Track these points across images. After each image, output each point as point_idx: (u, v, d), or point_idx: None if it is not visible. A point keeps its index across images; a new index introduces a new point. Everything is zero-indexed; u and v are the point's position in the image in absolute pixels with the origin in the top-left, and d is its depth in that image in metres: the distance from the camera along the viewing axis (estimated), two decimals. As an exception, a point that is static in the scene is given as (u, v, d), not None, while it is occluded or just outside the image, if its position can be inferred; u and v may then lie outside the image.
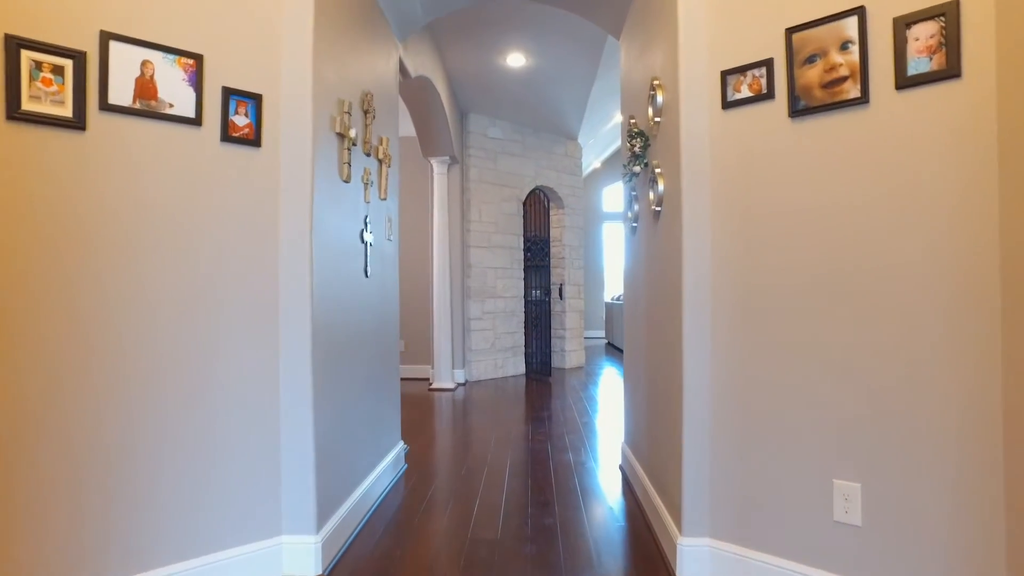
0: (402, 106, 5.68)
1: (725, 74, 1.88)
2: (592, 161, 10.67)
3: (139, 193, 1.65)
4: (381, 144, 2.75)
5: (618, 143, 10.60)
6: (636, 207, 2.65)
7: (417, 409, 4.76)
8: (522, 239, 6.65)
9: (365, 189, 2.53)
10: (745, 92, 1.83)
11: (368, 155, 2.57)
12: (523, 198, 6.65)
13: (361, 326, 2.47)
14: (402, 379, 6.17)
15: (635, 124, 2.61)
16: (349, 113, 2.25)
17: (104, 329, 1.59)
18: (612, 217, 11.91)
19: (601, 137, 8.96)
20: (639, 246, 2.64)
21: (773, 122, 1.78)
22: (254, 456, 1.87)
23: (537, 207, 6.81)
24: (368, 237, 2.53)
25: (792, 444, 1.74)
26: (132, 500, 1.64)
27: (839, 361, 1.64)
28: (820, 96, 1.66)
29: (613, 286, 11.88)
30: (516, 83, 5.43)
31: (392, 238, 3.01)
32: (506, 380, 6.23)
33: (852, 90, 1.60)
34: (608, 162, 11.63)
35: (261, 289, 1.88)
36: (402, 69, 3.54)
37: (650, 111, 2.33)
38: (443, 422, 4.31)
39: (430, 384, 5.80)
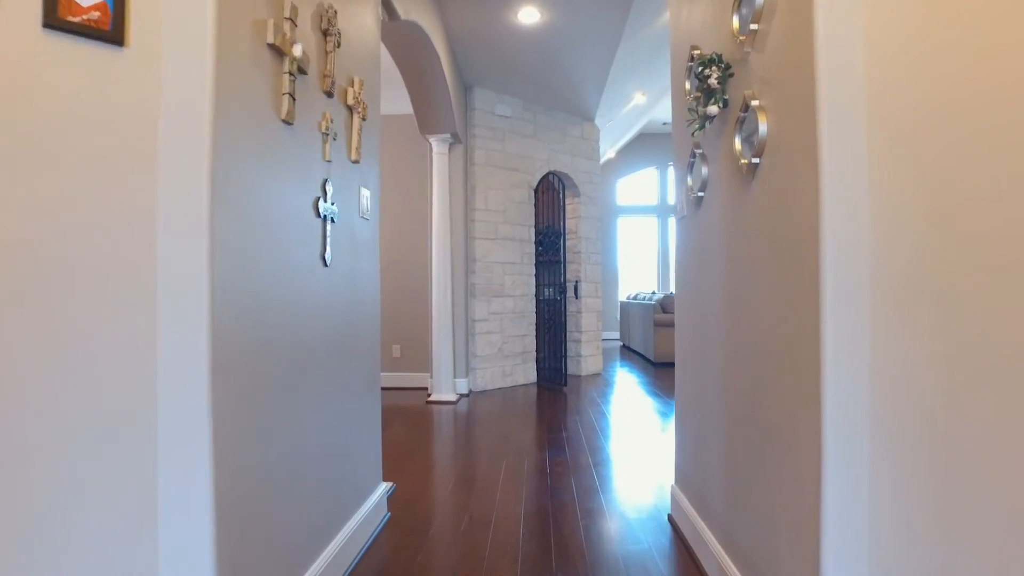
0: (397, 79, 4.95)
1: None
2: (606, 150, 9.92)
3: None
4: (352, 86, 2.02)
5: (636, 130, 9.84)
6: (704, 171, 1.90)
7: (411, 428, 4.03)
8: (533, 230, 5.91)
9: (325, 143, 1.79)
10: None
11: (330, 95, 1.83)
12: (534, 184, 5.91)
13: (315, 333, 1.73)
14: (397, 389, 5.44)
15: (700, 54, 1.86)
16: (293, 22, 1.51)
17: None
18: (627, 211, 11.13)
19: (618, 122, 8.21)
20: (710, 223, 1.88)
21: None
22: (107, 551, 1.13)
23: (550, 195, 6.06)
24: (327, 209, 1.79)
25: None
26: None
27: None
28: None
29: (629, 284, 11.11)
30: (528, 47, 4.68)
31: (370, 216, 2.27)
32: (515, 390, 5.49)
33: None
34: (624, 152, 10.86)
35: (124, 288, 1.14)
36: (387, 3, 2.80)
37: (735, 22, 1.58)
38: (441, 446, 3.57)
39: (428, 396, 5.06)
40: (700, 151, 1.93)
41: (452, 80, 4.68)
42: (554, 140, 6.13)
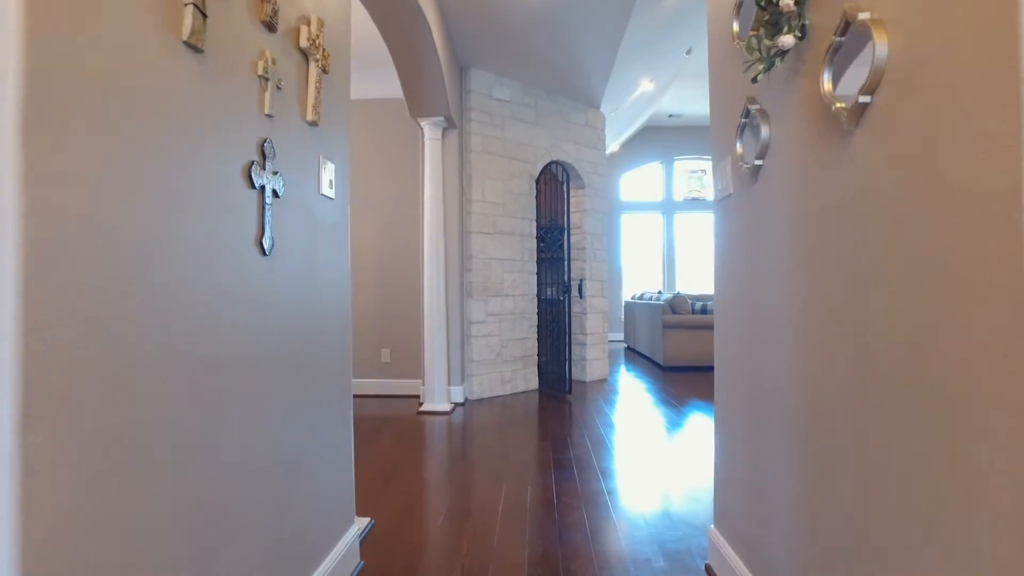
0: (386, 60, 4.50)
1: None
2: (609, 144, 9.47)
3: None
4: (308, 25, 1.57)
5: (640, 123, 9.40)
6: (765, 131, 1.44)
7: (398, 444, 3.58)
8: (534, 225, 5.46)
9: (263, 91, 1.34)
10: None
11: (271, 28, 1.38)
12: (536, 175, 5.46)
13: (248, 342, 1.28)
14: (386, 397, 4.99)
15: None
16: (205, -92, 1.06)
17: None
18: (632, 207, 10.69)
19: (623, 113, 7.77)
20: (772, 198, 1.43)
21: None
22: None
23: (552, 186, 5.62)
24: (267, 180, 1.34)
25: None
26: None
27: None
28: None
29: (633, 283, 10.66)
30: (530, 24, 4.23)
31: (336, 195, 1.83)
32: (515, 398, 5.04)
33: None
34: (628, 146, 10.41)
35: None
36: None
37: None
38: (431, 468, 3.12)
39: (420, 405, 4.61)
40: (756, 107, 1.48)
41: (446, 57, 4.23)
42: (557, 127, 5.68)
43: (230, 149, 1.21)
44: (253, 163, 1.28)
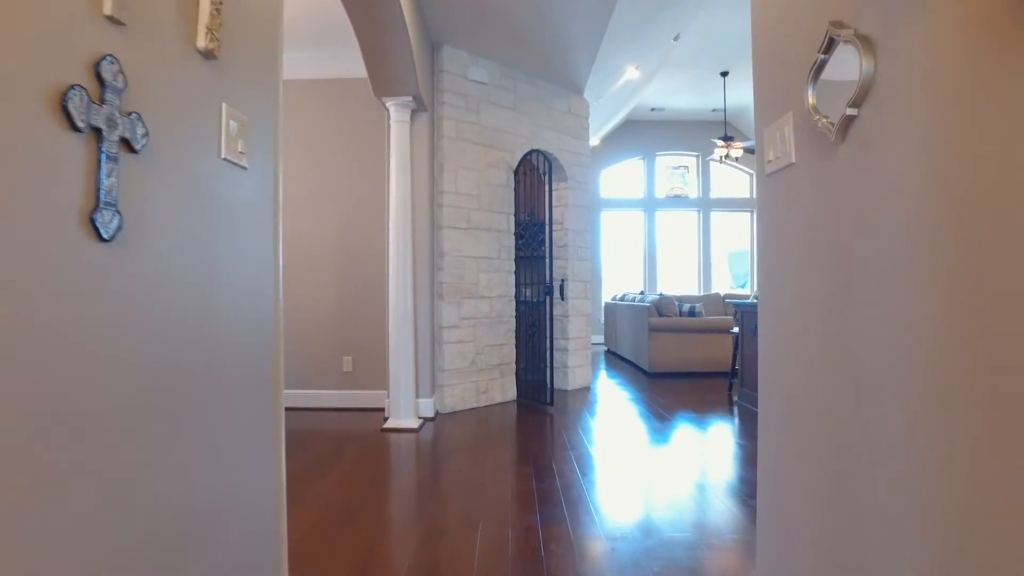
0: (349, 33, 3.98)
1: None
2: (590, 136, 9.06)
3: None
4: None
5: (622, 115, 9.01)
6: (866, 65, 0.99)
7: (355, 473, 3.07)
8: (513, 220, 4.99)
9: (105, -20, 0.84)
10: None
11: None
12: (514, 165, 4.99)
13: (78, 374, 0.77)
14: (347, 410, 4.47)
15: None
16: None
17: None
18: (612, 204, 10.29)
19: (605, 103, 7.36)
20: (883, 161, 0.97)
21: None
22: None
23: (532, 178, 5.15)
24: (108, 118, 0.84)
25: None
26: None
27: None
28: None
29: (613, 283, 10.27)
30: (509, -11, 3.77)
31: (250, 164, 1.32)
32: (492, 411, 4.56)
33: None
34: (609, 140, 10.02)
35: None
36: None
37: None
38: (393, 503, 2.62)
39: (385, 420, 4.10)
40: (847, 32, 1.03)
41: (415, 30, 3.74)
42: (537, 114, 5.22)
43: (27, 60, 0.71)
44: (74, 89, 0.78)
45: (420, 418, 4.15)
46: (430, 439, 3.73)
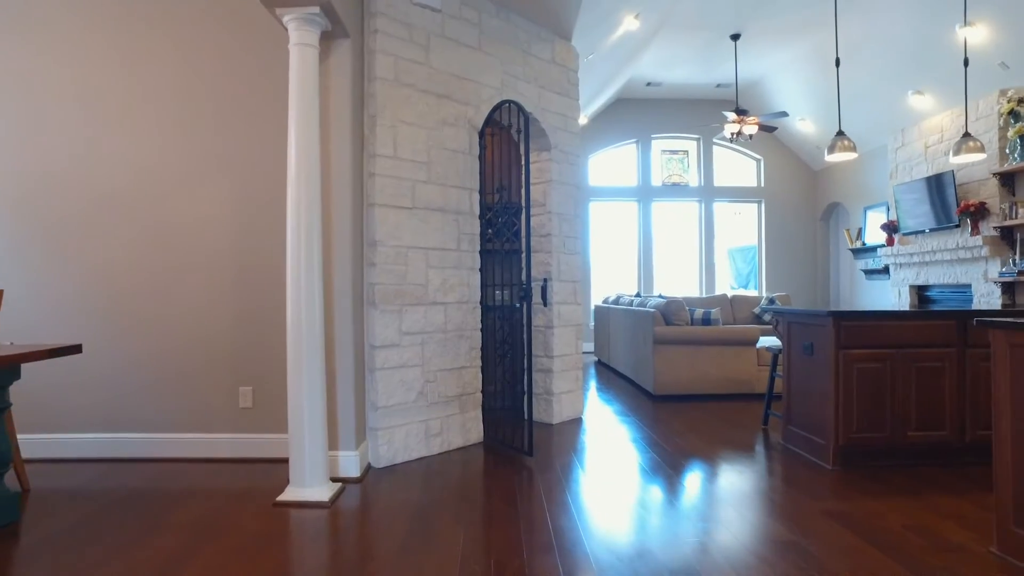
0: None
1: None
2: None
3: None
4: None
5: (614, 90, 7.78)
6: None
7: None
8: (477, 199, 3.70)
9: None
10: None
11: None
12: (479, 125, 3.71)
13: None
14: (245, 462, 3.16)
15: None
16: None
17: None
18: (603, 193, 9.04)
19: (598, 63, 6.10)
20: None
21: None
22: None
23: (504, 144, 3.87)
24: None
25: None
26: None
27: None
28: None
29: (604, 284, 9.01)
30: None
31: None
32: (448, 464, 3.26)
33: None
34: (597, 121, 8.77)
35: None
36: None
37: None
38: None
39: (281, 492, 2.77)
40: None
41: None
42: (511, 60, 3.94)
43: None
44: None
45: (338, 481, 2.85)
46: (351, 522, 2.43)
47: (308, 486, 2.66)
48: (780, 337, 3.64)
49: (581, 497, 2.70)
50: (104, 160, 3.33)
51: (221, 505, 2.61)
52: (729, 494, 2.71)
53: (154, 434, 3.31)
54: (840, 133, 4.02)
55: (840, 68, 6.83)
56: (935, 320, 3.02)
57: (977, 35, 5.04)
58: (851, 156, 4.00)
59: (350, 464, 2.96)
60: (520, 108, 3.32)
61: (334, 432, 2.94)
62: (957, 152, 4.09)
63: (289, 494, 2.65)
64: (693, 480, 2.92)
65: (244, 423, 3.32)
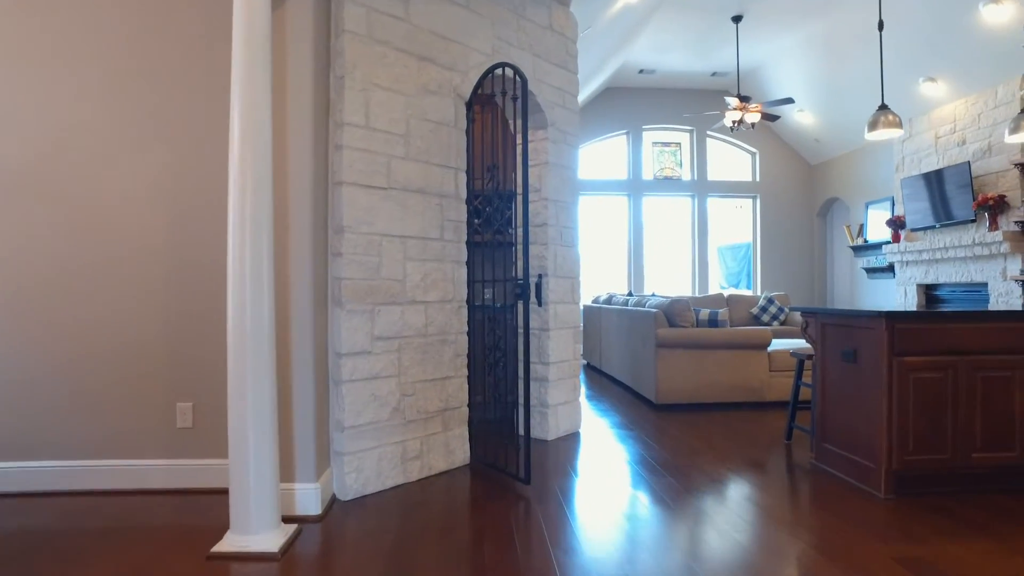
0: None
1: None
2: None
3: None
4: None
5: (604, 78, 7.32)
6: None
7: None
8: (464, 181, 3.18)
9: None
10: None
11: None
12: (467, 94, 3.19)
13: None
14: (184, 493, 2.59)
15: None
16: None
17: None
18: (592, 187, 8.57)
19: (595, 40, 5.62)
20: None
21: None
22: None
23: (495, 120, 3.35)
24: None
25: None
26: None
27: None
28: None
29: (592, 282, 8.55)
30: None
31: None
32: (428, 493, 2.74)
33: None
34: (588, 110, 8.30)
35: None
36: None
37: None
38: None
39: (219, 542, 2.22)
40: None
41: None
42: (503, 23, 3.43)
43: None
44: None
45: (293, 521, 2.31)
46: (308, 573, 1.90)
47: (253, 532, 2.12)
48: (811, 341, 3.18)
49: (591, 538, 2.20)
50: (3, 125, 2.72)
51: (145, 554, 2.06)
52: (775, 533, 2.23)
53: (71, 461, 2.72)
54: (883, 107, 3.59)
55: (847, 54, 6.45)
56: (1013, 322, 2.58)
57: (1003, 13, 4.66)
58: (896, 133, 3.59)
59: (309, 499, 2.42)
60: (517, 71, 2.81)
61: (289, 460, 2.40)
62: (1015, 130, 3.69)
63: (228, 543, 2.10)
64: (725, 515, 2.44)
65: (182, 446, 2.75)
